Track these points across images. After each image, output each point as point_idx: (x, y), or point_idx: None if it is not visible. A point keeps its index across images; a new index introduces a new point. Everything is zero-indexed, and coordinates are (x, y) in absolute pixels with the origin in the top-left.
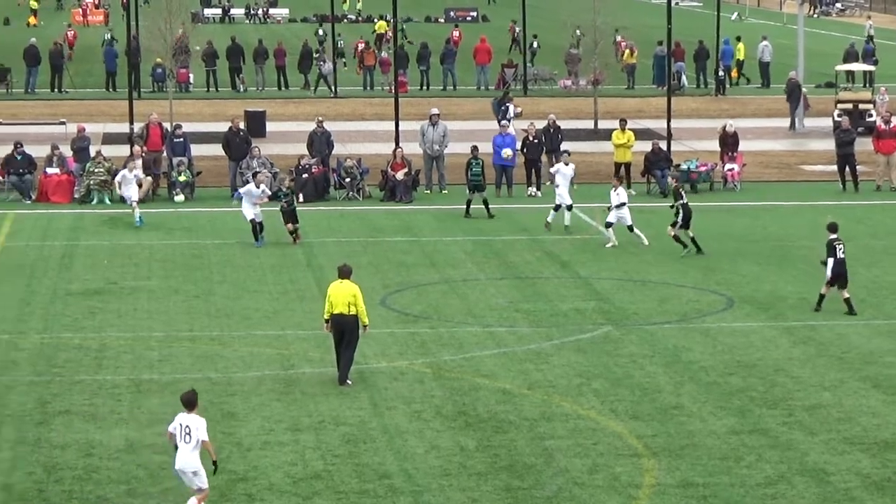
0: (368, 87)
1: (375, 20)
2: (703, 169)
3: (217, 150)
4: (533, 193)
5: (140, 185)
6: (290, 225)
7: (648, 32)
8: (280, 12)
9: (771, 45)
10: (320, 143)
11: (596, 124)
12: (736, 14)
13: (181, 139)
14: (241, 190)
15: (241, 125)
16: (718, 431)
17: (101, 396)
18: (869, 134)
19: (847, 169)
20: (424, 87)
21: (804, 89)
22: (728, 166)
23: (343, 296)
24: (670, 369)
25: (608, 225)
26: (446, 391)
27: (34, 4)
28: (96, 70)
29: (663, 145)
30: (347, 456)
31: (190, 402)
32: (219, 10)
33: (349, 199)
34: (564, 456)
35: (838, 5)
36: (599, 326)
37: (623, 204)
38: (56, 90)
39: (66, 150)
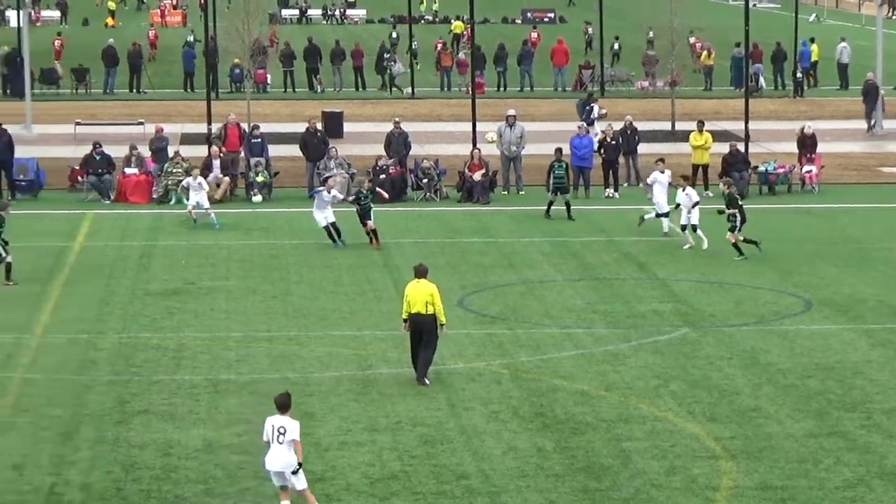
0: (445, 88)
1: (452, 21)
2: (781, 171)
3: (294, 150)
4: (610, 195)
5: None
6: (369, 223)
7: (726, 34)
8: (357, 13)
9: (849, 46)
10: (398, 143)
11: (673, 126)
12: (814, 15)
13: (259, 140)
14: (315, 190)
15: (319, 126)
16: (796, 434)
17: (179, 396)
18: None
19: None
20: (501, 89)
21: (882, 91)
22: (806, 168)
23: (421, 295)
24: (748, 371)
25: (683, 227)
26: (524, 392)
27: (112, 5)
28: (174, 70)
29: (741, 147)
30: (425, 457)
31: (284, 405)
32: (296, 11)
33: (426, 199)
34: (642, 458)
35: None
36: (677, 328)
37: (697, 203)
38: (134, 91)
39: (145, 151)
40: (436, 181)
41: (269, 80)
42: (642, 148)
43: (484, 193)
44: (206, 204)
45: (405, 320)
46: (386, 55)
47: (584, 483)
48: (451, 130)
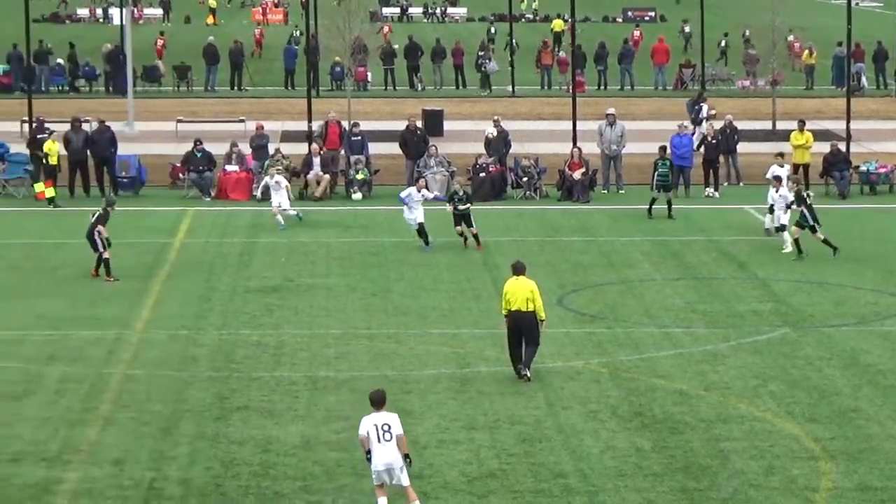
0: (546, 87)
1: (553, 19)
2: (882, 171)
3: (394, 148)
4: (710, 194)
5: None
6: (459, 227)
7: (828, 33)
8: (458, 11)
9: None
10: (498, 142)
11: (774, 125)
12: None
13: (359, 137)
14: (402, 194)
15: (419, 124)
16: None
17: (278, 393)
18: None
19: None
20: (602, 87)
21: None
22: None
23: (521, 292)
24: (848, 372)
25: (777, 229)
26: (622, 391)
27: (213, 3)
28: (275, 68)
29: (842, 146)
30: (523, 455)
31: (381, 401)
32: (397, 9)
33: (526, 198)
34: (740, 458)
35: None
36: (776, 328)
37: (791, 205)
38: (236, 88)
39: (245, 148)
40: (536, 180)
41: (369, 78)
42: (742, 147)
43: (584, 192)
44: (287, 203)
45: (506, 317)
46: (480, 53)
47: (682, 483)
48: (551, 129)
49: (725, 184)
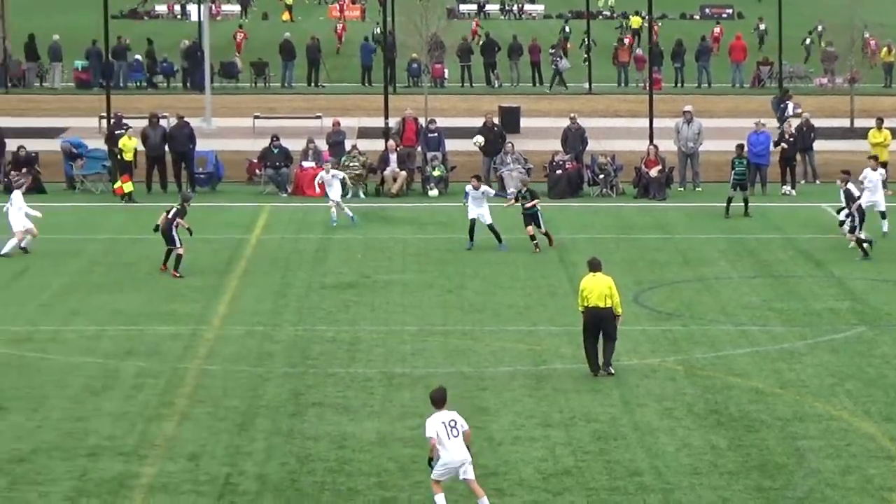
0: (623, 84)
1: (630, 16)
2: None
3: (471, 144)
4: (787, 192)
5: (394, 180)
6: (529, 227)
7: None
8: (535, 8)
9: None
10: (574, 139)
11: (852, 123)
12: None
13: (435, 134)
14: (467, 188)
15: (496, 121)
16: None
17: (353, 389)
18: None
19: None
20: (679, 85)
21: None
22: None
23: (599, 288)
24: None
25: (841, 224)
26: (698, 389)
27: (289, 0)
28: (352, 65)
29: None
30: (598, 452)
31: (443, 399)
32: (474, 6)
33: (602, 195)
34: (816, 457)
35: None
36: (853, 327)
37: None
38: (313, 84)
39: (322, 144)
40: (612, 177)
41: (446, 75)
42: (819, 145)
43: (660, 190)
44: (337, 198)
45: (583, 313)
46: (552, 50)
47: (757, 481)
48: (627, 126)
49: (802, 182)
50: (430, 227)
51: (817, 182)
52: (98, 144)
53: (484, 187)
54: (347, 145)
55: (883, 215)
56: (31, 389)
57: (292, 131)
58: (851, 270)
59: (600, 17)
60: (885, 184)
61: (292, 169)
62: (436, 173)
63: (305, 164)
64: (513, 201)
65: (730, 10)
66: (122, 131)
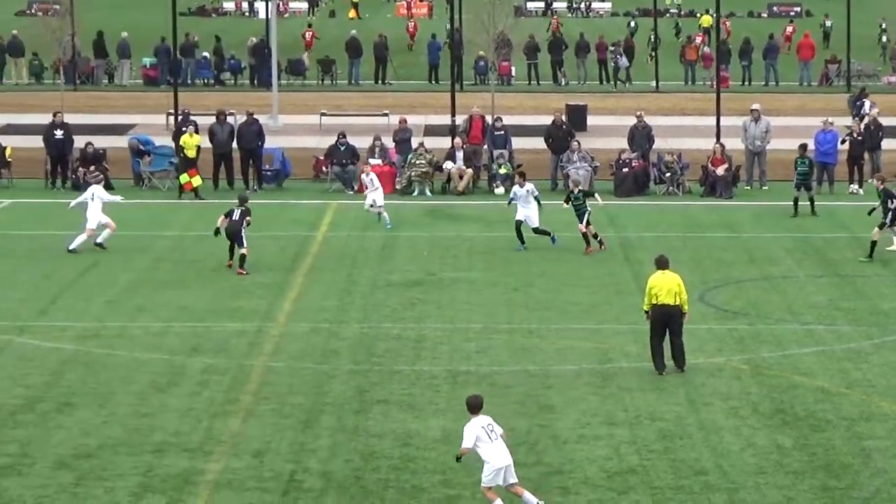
0: (690, 82)
1: (698, 14)
2: None
3: (537, 143)
4: (854, 191)
5: (460, 178)
6: (580, 226)
7: None
8: (603, 6)
9: None
10: (641, 137)
11: None
12: None
13: (502, 132)
14: (513, 188)
15: (564, 118)
16: None
17: (418, 387)
18: None
19: None
20: (746, 83)
21: None
22: None
23: (669, 286)
24: None
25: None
26: (764, 388)
27: None
28: (419, 62)
29: None
30: (663, 451)
31: (479, 405)
32: (541, 4)
33: (669, 193)
34: (883, 457)
35: None
36: None
37: None
38: (379, 82)
39: (388, 142)
40: (678, 175)
41: (513, 73)
42: (888, 144)
43: (727, 188)
44: (381, 202)
45: (646, 311)
46: (612, 48)
47: (823, 481)
48: (694, 124)
49: (870, 181)
50: (496, 225)
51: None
52: (165, 141)
53: (529, 185)
54: (414, 143)
55: None
56: (98, 385)
57: (359, 129)
58: None
59: (667, 14)
60: None
61: (359, 166)
62: (502, 171)
63: (372, 161)
64: (564, 203)
65: (798, 8)
66: (185, 129)
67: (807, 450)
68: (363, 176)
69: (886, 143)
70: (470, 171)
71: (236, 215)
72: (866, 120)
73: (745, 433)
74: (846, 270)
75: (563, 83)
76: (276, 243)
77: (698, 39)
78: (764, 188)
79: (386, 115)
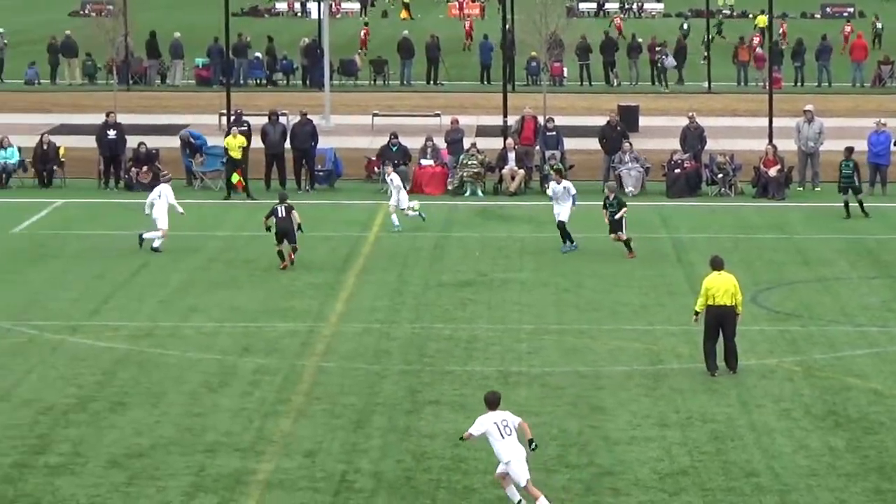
0: (742, 83)
1: (750, 15)
2: None
3: (589, 143)
4: None
5: (512, 178)
6: (613, 235)
7: None
8: (655, 7)
9: None
10: (693, 138)
11: None
12: None
13: (553, 133)
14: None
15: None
16: None
17: (469, 387)
18: None
19: None
20: (799, 84)
21: None
22: None
23: (725, 286)
24: None
25: None
26: (816, 390)
27: None
28: (471, 63)
29: None
30: (714, 453)
31: (497, 401)
32: (593, 5)
33: (721, 194)
34: None
35: None
36: None
37: None
38: (431, 82)
39: (440, 142)
40: (731, 176)
41: (565, 73)
42: None
43: (779, 189)
44: (404, 204)
45: (697, 312)
46: (657, 48)
47: (876, 483)
48: (746, 125)
49: None
50: (547, 226)
51: None
52: (217, 142)
53: (566, 183)
54: (466, 143)
55: None
56: (151, 385)
57: (411, 129)
58: None
59: (720, 15)
60: None
61: (411, 167)
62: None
63: (424, 161)
64: (603, 210)
65: (851, 9)
66: (238, 129)
67: (859, 452)
68: (386, 178)
69: None
70: (522, 171)
71: (282, 212)
72: None
73: (797, 435)
74: None
75: (615, 84)
76: (328, 244)
77: (756, 40)
78: (816, 189)
79: (438, 115)
